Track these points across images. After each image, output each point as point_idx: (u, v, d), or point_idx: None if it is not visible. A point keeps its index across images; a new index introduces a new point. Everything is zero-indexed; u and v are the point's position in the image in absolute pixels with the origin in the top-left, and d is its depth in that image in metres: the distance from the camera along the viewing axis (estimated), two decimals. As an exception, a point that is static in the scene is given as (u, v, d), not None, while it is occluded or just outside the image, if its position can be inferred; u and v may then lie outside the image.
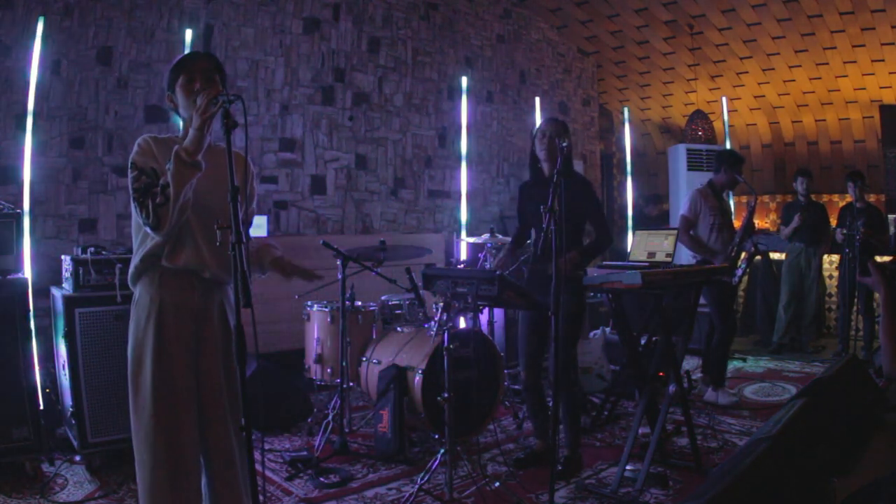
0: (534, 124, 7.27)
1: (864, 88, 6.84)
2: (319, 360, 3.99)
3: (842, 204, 6.39)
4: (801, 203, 6.03)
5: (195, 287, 2.04)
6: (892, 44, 6.12)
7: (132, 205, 1.95)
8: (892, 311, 2.06)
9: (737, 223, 5.06)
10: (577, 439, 3.35)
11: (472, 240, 5.19)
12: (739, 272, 4.41)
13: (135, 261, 2.03)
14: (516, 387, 4.45)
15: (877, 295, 4.39)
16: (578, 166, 7.56)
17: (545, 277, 3.00)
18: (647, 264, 3.46)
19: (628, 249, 3.97)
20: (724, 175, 4.51)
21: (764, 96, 7.57)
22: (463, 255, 6.11)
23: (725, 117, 7.85)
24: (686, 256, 4.76)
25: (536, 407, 3.44)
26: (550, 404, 2.94)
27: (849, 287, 5.70)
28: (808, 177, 6.03)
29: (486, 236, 4.64)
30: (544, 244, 2.52)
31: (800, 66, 6.83)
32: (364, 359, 3.87)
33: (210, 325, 2.08)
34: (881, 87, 6.74)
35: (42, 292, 3.78)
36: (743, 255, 4.44)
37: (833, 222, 6.19)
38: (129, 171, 1.97)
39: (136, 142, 2.03)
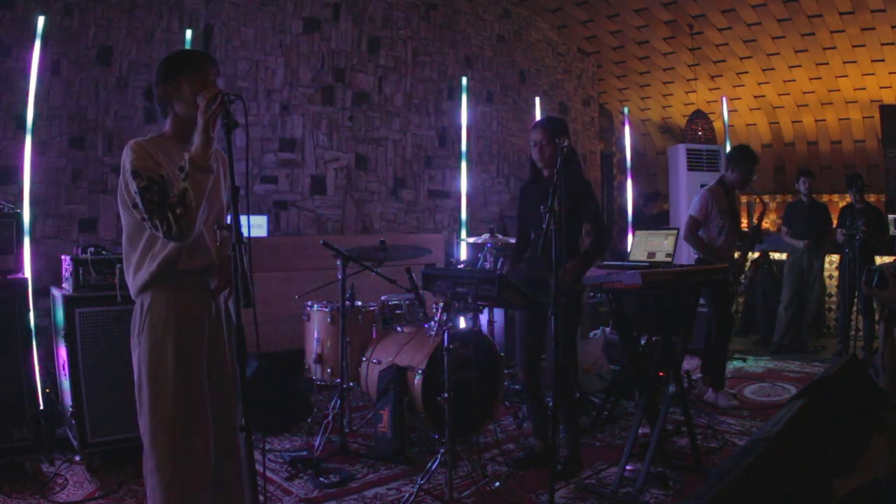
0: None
1: (864, 88, 6.84)
2: (319, 360, 3.99)
3: (842, 204, 6.39)
4: (804, 203, 6.04)
5: (208, 288, 2.06)
6: (892, 44, 6.12)
7: (143, 215, 1.88)
8: None
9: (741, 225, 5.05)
10: (577, 439, 3.35)
11: (472, 240, 5.19)
12: (746, 281, 4.37)
13: (148, 268, 1.95)
14: (516, 387, 4.45)
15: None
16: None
17: (543, 278, 2.99)
18: (647, 264, 3.46)
19: (628, 249, 3.96)
20: (736, 173, 4.42)
21: (764, 96, 7.57)
22: (463, 256, 6.11)
23: (725, 117, 7.85)
24: (686, 256, 4.76)
25: (535, 407, 3.44)
26: (550, 404, 2.94)
27: (849, 287, 5.70)
28: (810, 177, 6.02)
29: (486, 236, 4.64)
30: (544, 244, 2.52)
31: (800, 66, 6.83)
32: (364, 359, 3.87)
33: (220, 327, 2.10)
34: (881, 87, 6.74)
35: (42, 292, 3.78)
36: (748, 264, 4.43)
37: (834, 222, 6.20)
38: (133, 179, 1.87)
39: (129, 148, 1.93)
